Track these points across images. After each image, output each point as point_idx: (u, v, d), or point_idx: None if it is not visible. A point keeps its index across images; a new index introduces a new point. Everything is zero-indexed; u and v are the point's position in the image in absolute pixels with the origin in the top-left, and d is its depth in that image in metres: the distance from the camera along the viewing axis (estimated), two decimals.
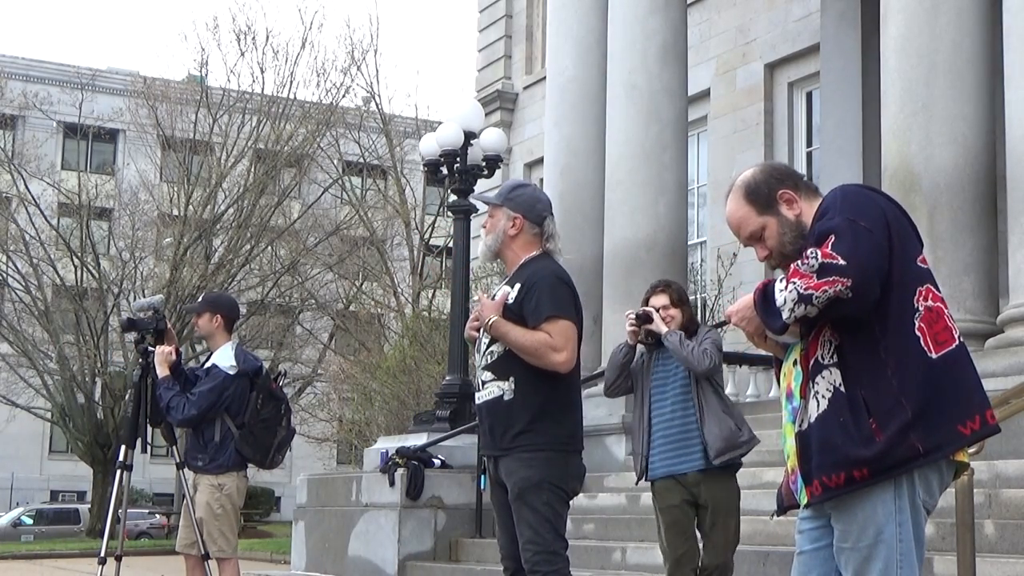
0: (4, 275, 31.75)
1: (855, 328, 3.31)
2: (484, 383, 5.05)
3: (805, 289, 3.22)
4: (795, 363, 3.48)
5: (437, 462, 11.07)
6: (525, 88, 22.45)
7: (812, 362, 3.37)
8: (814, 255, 3.24)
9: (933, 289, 3.38)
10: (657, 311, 6.32)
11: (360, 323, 31.67)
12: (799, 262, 3.27)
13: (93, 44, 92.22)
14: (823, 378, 3.33)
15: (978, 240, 9.66)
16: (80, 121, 36.31)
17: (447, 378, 12.55)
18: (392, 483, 10.85)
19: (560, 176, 13.94)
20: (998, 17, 9.72)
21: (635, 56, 12.74)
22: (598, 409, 11.54)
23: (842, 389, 3.30)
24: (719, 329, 9.62)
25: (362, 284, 33.81)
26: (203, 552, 7.30)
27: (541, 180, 17.97)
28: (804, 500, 3.45)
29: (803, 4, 16.48)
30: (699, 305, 18.00)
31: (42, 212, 32.24)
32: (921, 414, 3.26)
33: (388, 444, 12.04)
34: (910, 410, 3.25)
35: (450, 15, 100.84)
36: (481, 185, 14.04)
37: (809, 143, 16.69)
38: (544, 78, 17.13)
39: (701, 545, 6.30)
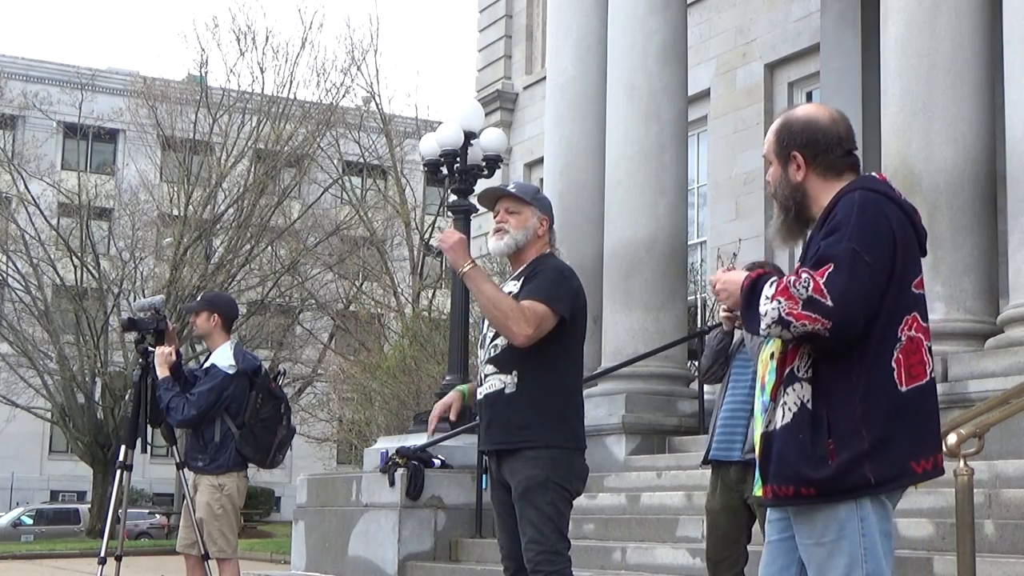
0: (4, 275, 31.75)
1: (825, 347, 3.32)
2: (487, 376, 5.02)
3: (786, 314, 3.22)
4: (772, 356, 3.46)
5: (437, 462, 11.06)
6: (525, 88, 22.45)
7: (788, 371, 3.37)
8: (807, 283, 3.22)
9: (919, 318, 3.38)
10: None
11: (360, 323, 31.67)
12: (792, 279, 3.26)
13: (93, 44, 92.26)
14: (794, 390, 3.34)
15: (978, 240, 9.66)
16: (80, 121, 36.32)
17: (447, 378, 12.55)
18: (392, 483, 10.84)
19: (560, 176, 13.94)
20: (998, 17, 9.71)
21: (635, 56, 12.74)
22: (598, 409, 11.54)
23: (808, 406, 3.31)
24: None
25: (362, 284, 33.81)
26: (203, 552, 7.30)
27: (541, 180, 17.98)
28: (759, 490, 3.48)
29: (803, 4, 16.48)
30: (699, 305, 18.02)
31: (42, 212, 32.24)
32: (879, 445, 3.27)
33: (388, 444, 12.04)
34: (868, 441, 3.26)
35: (450, 15, 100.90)
36: (481, 185, 14.02)
37: None
38: (544, 78, 17.14)
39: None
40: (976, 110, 9.76)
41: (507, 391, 4.93)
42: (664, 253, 12.33)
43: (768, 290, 3.28)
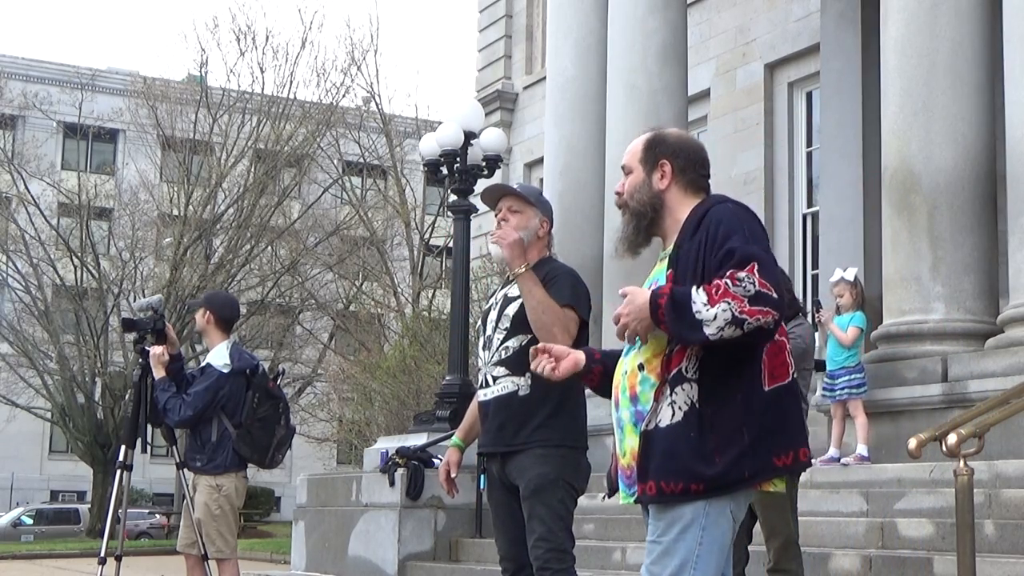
0: (4, 275, 31.77)
1: (719, 348, 3.40)
2: (495, 379, 4.99)
3: (740, 312, 3.30)
4: (640, 367, 3.54)
5: (437, 462, 11.05)
6: (525, 88, 22.45)
7: (676, 371, 3.45)
8: (750, 281, 3.32)
9: (783, 323, 3.56)
10: None
11: (360, 323, 31.66)
12: (726, 281, 3.32)
13: (93, 44, 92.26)
14: (683, 390, 3.43)
15: (978, 240, 9.66)
16: (80, 121, 36.34)
17: (447, 378, 12.55)
18: (392, 483, 10.85)
19: (560, 176, 13.94)
20: (998, 17, 9.72)
21: (635, 56, 12.74)
22: (598, 409, 11.47)
23: (697, 406, 3.43)
24: (817, 315, 9.55)
25: (362, 284, 33.81)
26: (203, 552, 7.30)
27: (541, 180, 17.98)
28: (628, 499, 3.57)
29: (803, 4, 16.48)
30: None
31: (42, 212, 32.25)
32: (755, 442, 3.42)
33: (388, 444, 12.04)
34: (748, 438, 3.42)
35: (450, 15, 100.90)
36: (481, 185, 14.03)
37: (809, 143, 16.69)
38: (544, 78, 17.14)
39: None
40: (976, 110, 9.77)
41: (521, 393, 4.94)
42: None
43: (701, 296, 3.34)
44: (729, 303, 3.30)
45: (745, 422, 3.42)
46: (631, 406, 3.56)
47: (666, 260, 3.63)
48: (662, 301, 3.38)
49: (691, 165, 3.71)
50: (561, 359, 3.78)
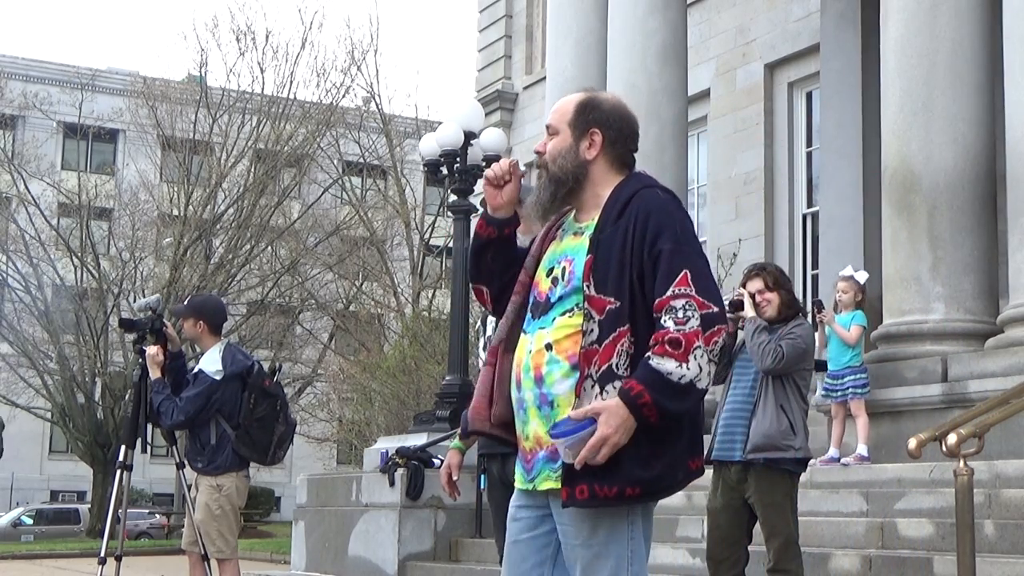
0: (4, 275, 31.76)
1: (647, 342, 3.27)
2: None
3: (709, 351, 3.22)
4: (548, 347, 3.35)
5: (437, 462, 11.06)
6: (525, 88, 22.45)
7: (605, 368, 3.27)
8: (692, 309, 3.21)
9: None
10: (752, 296, 6.25)
11: (360, 323, 31.68)
12: (672, 321, 3.20)
13: (93, 44, 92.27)
14: (615, 388, 3.24)
15: (978, 240, 9.66)
16: (80, 121, 36.33)
17: (447, 378, 12.55)
18: (392, 483, 10.84)
19: None
20: (998, 17, 9.72)
21: (635, 56, 12.74)
22: None
23: None
24: (818, 315, 9.54)
25: (362, 284, 33.83)
26: (203, 552, 7.30)
27: None
28: (527, 484, 3.41)
29: (803, 4, 16.48)
30: None
31: (42, 212, 32.26)
32: (685, 446, 3.33)
33: (388, 444, 12.04)
34: (681, 442, 3.32)
35: (450, 15, 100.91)
36: (481, 185, 14.04)
37: (809, 143, 16.69)
38: (544, 78, 17.14)
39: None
40: (976, 110, 9.77)
41: None
42: None
43: (666, 363, 3.19)
44: (698, 348, 3.19)
45: (680, 425, 3.30)
46: (536, 388, 3.36)
47: (581, 237, 3.44)
48: (645, 400, 3.18)
49: (622, 138, 3.55)
50: (503, 188, 3.54)
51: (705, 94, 17.67)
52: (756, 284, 6.29)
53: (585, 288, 3.32)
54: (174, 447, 7.55)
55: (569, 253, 3.44)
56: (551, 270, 3.46)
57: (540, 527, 3.44)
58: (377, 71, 56.89)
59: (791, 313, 6.26)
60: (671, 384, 3.18)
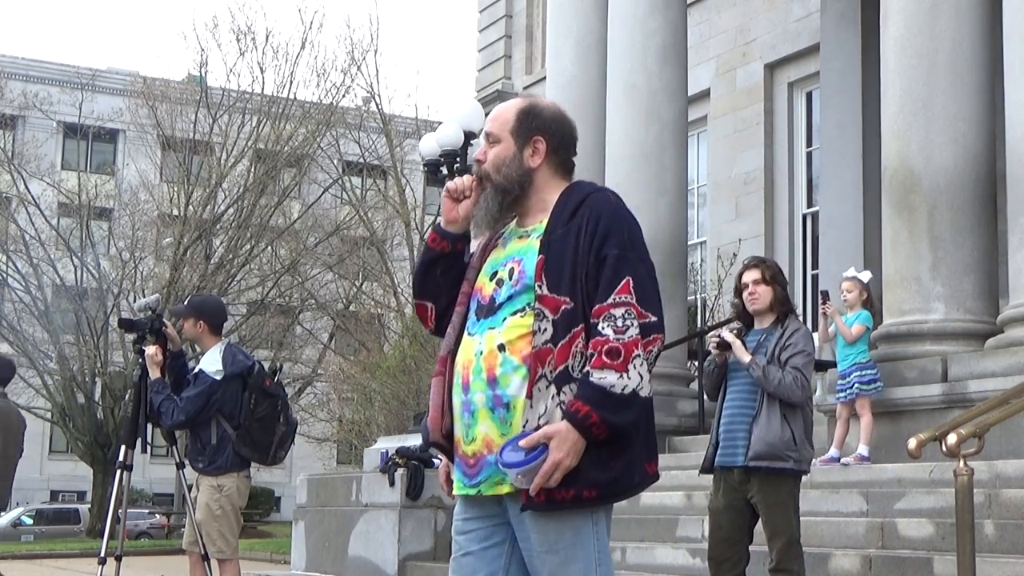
0: (4, 275, 31.76)
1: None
2: None
3: (648, 359, 3.22)
4: (501, 347, 3.31)
5: (437, 462, 11.06)
6: (525, 88, 22.44)
7: (561, 369, 3.24)
8: (631, 318, 3.21)
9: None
10: (747, 287, 6.24)
11: (360, 323, 31.68)
12: (611, 329, 3.19)
13: (93, 44, 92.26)
14: (571, 390, 3.22)
15: (978, 240, 9.65)
16: (80, 121, 36.35)
17: None
18: (392, 483, 10.85)
19: None
20: (998, 17, 9.71)
21: (635, 56, 12.74)
22: None
23: None
24: (822, 306, 9.54)
25: (362, 284, 33.83)
26: (203, 552, 7.31)
27: None
28: (469, 490, 3.36)
29: (803, 4, 16.49)
30: (699, 305, 18.01)
31: (42, 212, 32.26)
32: (640, 448, 3.30)
33: (388, 444, 12.04)
34: (637, 444, 3.29)
35: (450, 15, 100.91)
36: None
37: (809, 143, 16.70)
38: (544, 78, 17.13)
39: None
40: (976, 110, 9.76)
41: None
42: (664, 253, 12.32)
43: (608, 376, 3.17)
44: (636, 358, 3.19)
45: (636, 426, 3.27)
46: (488, 389, 3.30)
47: (528, 239, 3.41)
48: (593, 420, 3.16)
49: (564, 145, 3.52)
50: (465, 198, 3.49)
51: (705, 94, 17.69)
52: (753, 275, 6.31)
53: (537, 288, 3.30)
54: (174, 447, 7.55)
55: (516, 255, 3.41)
56: (494, 274, 3.44)
57: (492, 538, 3.40)
58: (377, 71, 56.94)
59: (783, 311, 6.27)
60: (614, 397, 3.17)
